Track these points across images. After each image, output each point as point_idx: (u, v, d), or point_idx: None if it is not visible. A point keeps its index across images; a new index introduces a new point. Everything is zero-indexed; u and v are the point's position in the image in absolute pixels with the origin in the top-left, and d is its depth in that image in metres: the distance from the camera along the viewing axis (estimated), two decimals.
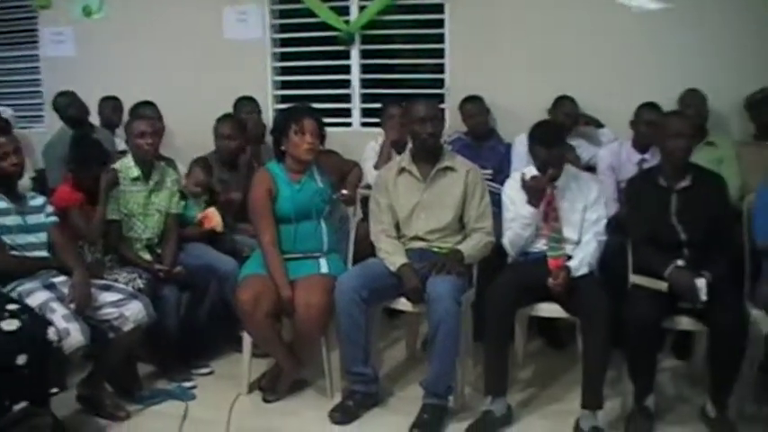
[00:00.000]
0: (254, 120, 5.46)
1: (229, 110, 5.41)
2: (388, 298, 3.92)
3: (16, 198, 3.71)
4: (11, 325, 3.21)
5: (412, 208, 3.99)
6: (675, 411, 3.83)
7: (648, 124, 4.57)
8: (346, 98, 6.17)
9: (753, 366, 3.59)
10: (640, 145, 4.72)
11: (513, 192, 3.93)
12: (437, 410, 3.69)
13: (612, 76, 5.32)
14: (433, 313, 3.60)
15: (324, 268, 3.94)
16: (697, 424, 3.65)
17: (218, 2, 6.21)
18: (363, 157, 5.22)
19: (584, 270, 3.75)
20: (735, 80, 5.01)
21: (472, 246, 3.92)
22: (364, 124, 6.14)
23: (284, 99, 6.26)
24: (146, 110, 5.33)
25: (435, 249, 3.94)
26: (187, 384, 4.15)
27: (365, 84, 6.15)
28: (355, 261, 4.33)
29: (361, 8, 5.97)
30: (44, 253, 3.72)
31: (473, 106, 5.32)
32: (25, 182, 4.34)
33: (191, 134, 5.51)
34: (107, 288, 3.71)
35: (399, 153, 4.58)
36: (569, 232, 3.88)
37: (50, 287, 3.57)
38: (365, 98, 6.14)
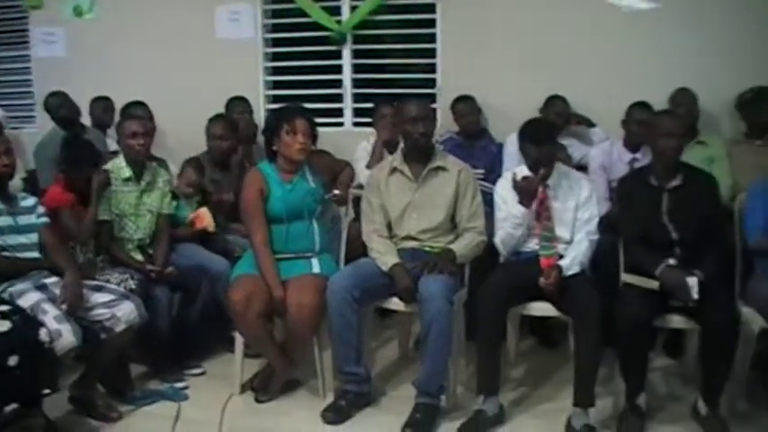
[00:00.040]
0: (245, 120, 5.46)
1: (221, 110, 5.41)
2: (381, 298, 3.92)
3: (7, 199, 3.70)
4: (2, 326, 3.21)
5: (404, 208, 4.00)
6: (667, 410, 3.84)
7: (639, 123, 4.58)
8: (338, 98, 6.17)
9: (744, 364, 3.60)
10: (631, 144, 4.74)
11: (504, 191, 3.94)
12: (429, 410, 3.69)
13: (604, 76, 5.33)
14: (425, 313, 3.61)
15: (316, 268, 3.94)
16: (689, 422, 3.66)
17: (210, 1, 6.21)
18: (355, 157, 5.22)
19: (575, 269, 3.76)
20: (725, 79, 5.03)
21: (464, 245, 3.92)
22: (356, 124, 6.14)
23: (276, 99, 6.26)
24: (137, 110, 5.32)
25: (427, 249, 3.95)
26: (179, 385, 4.14)
27: (357, 83, 6.15)
28: (347, 261, 4.33)
29: (353, 8, 5.97)
30: (35, 254, 3.71)
31: (465, 106, 5.33)
32: (16, 182, 4.33)
33: (182, 134, 5.51)
34: (99, 289, 3.70)
35: (391, 153, 4.58)
36: (561, 231, 3.89)
37: (42, 288, 3.56)
38: (357, 98, 6.15)
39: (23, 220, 3.71)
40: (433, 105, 5.33)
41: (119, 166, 4.25)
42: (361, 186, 4.66)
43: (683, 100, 4.85)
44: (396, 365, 4.47)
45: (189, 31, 6.25)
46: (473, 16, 5.63)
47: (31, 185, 5.10)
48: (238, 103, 5.63)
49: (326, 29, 5.99)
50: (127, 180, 4.24)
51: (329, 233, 4.24)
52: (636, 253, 3.75)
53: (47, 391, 3.41)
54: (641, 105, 4.71)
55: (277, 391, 4.04)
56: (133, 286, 3.93)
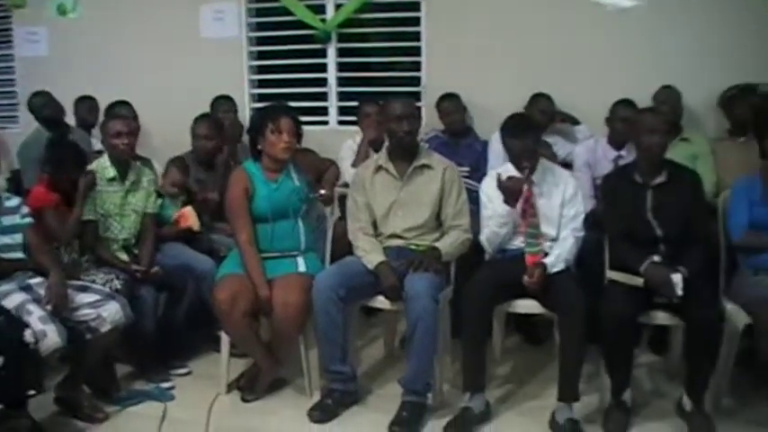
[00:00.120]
0: (230, 119, 5.45)
1: (206, 109, 5.40)
2: (366, 296, 3.92)
3: None
4: None
5: (389, 206, 4.00)
6: (652, 405, 3.86)
7: (624, 121, 4.60)
8: (323, 97, 6.17)
9: (728, 360, 3.62)
10: (616, 142, 4.75)
11: (490, 190, 3.93)
12: (416, 408, 3.70)
13: (588, 74, 5.34)
14: (411, 311, 3.61)
15: (301, 267, 3.94)
16: (673, 418, 3.68)
17: (194, 0, 6.20)
18: (340, 156, 5.21)
19: (560, 266, 3.77)
20: (709, 77, 5.05)
21: (449, 243, 3.93)
22: (341, 122, 6.14)
23: (261, 98, 6.26)
24: (121, 109, 5.31)
25: (413, 247, 3.95)
26: (165, 385, 4.13)
27: (342, 82, 6.15)
28: (333, 260, 4.33)
29: (338, 6, 5.97)
30: (20, 254, 3.70)
31: (450, 104, 5.33)
32: (0, 182, 4.31)
33: (167, 133, 5.50)
34: (84, 289, 3.69)
35: (377, 151, 4.58)
36: (547, 228, 3.89)
37: (27, 289, 3.55)
38: (342, 96, 6.14)
39: (7, 220, 3.69)
40: (418, 104, 5.32)
41: (103, 166, 4.24)
42: (346, 185, 4.66)
43: (667, 97, 4.87)
44: (382, 364, 4.47)
45: (173, 30, 6.23)
46: (458, 14, 5.64)
47: (15, 185, 5.07)
48: (223, 103, 5.63)
49: (311, 27, 5.99)
50: (111, 180, 4.23)
51: (314, 232, 4.25)
52: (620, 250, 3.77)
53: (32, 392, 3.42)
54: (625, 103, 4.72)
55: (263, 390, 4.04)
56: (118, 286, 3.93)
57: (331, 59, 6.10)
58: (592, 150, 4.82)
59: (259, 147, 4.00)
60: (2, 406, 3.29)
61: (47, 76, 6.25)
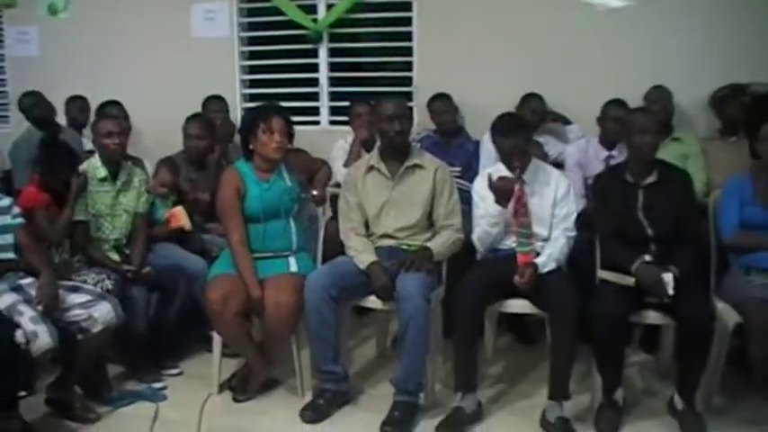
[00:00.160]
0: (222, 119, 5.43)
1: (197, 109, 5.39)
2: (358, 296, 3.92)
3: None
4: None
5: (381, 206, 4.00)
6: (643, 404, 3.88)
7: (615, 121, 4.62)
8: (314, 96, 6.17)
9: (719, 359, 3.63)
10: (607, 141, 4.77)
11: (483, 189, 3.93)
12: (408, 407, 3.70)
13: (579, 74, 5.35)
14: (403, 311, 3.61)
15: (293, 267, 3.94)
16: (665, 417, 3.70)
17: (185, 0, 6.18)
18: (332, 156, 5.21)
19: (551, 266, 3.77)
20: (700, 77, 5.07)
21: (441, 243, 3.93)
22: (332, 122, 6.14)
23: (252, 98, 6.26)
24: (112, 109, 5.30)
25: (404, 247, 3.95)
26: (157, 385, 4.13)
27: (333, 82, 6.15)
28: (325, 259, 4.33)
29: (329, 6, 5.97)
30: (10, 255, 3.68)
31: (441, 104, 5.33)
32: None
33: (159, 133, 5.49)
34: (75, 289, 3.68)
35: (368, 151, 4.58)
36: (539, 228, 3.90)
37: (17, 289, 3.54)
38: (333, 96, 6.14)
39: None
40: (410, 103, 5.32)
41: (94, 166, 4.23)
42: (338, 185, 4.66)
43: (658, 97, 4.88)
44: (374, 364, 4.47)
45: (164, 29, 6.22)
46: (449, 14, 5.64)
47: (6, 185, 5.06)
48: (215, 102, 5.62)
49: (302, 27, 5.98)
50: (102, 180, 4.22)
51: (306, 232, 4.25)
52: (611, 249, 3.78)
53: (23, 392, 3.41)
54: (616, 103, 4.74)
55: (255, 390, 4.03)
56: (110, 287, 3.92)
57: (322, 59, 6.10)
58: (583, 150, 4.83)
59: (251, 147, 4.00)
60: None
61: (37, 75, 6.24)
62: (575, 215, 3.95)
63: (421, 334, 3.61)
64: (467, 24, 5.61)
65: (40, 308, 3.41)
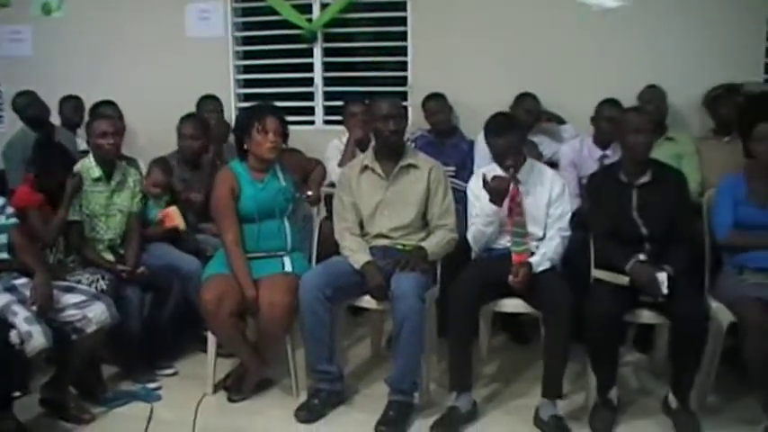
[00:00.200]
0: (216, 119, 5.43)
1: (192, 109, 5.38)
2: (353, 296, 3.92)
3: None
4: None
5: (375, 205, 4.00)
6: (638, 404, 3.88)
7: (609, 120, 4.63)
8: (309, 96, 6.16)
9: (713, 359, 3.64)
10: (601, 141, 4.78)
11: (477, 188, 3.93)
12: (403, 407, 3.71)
13: (574, 73, 5.37)
14: (398, 310, 3.61)
15: (287, 267, 3.94)
16: (659, 416, 3.71)
17: (179, 0, 6.17)
18: (326, 156, 5.21)
19: (545, 265, 3.77)
20: (694, 77, 5.08)
21: (435, 243, 3.93)
22: (327, 122, 6.14)
23: (247, 97, 6.25)
24: (106, 109, 5.29)
25: (399, 247, 3.95)
26: (152, 385, 4.13)
27: (328, 82, 6.15)
28: (319, 259, 4.32)
29: (324, 6, 5.97)
30: (4, 255, 3.68)
31: (436, 104, 5.34)
32: None
33: (153, 133, 5.48)
34: (69, 290, 3.67)
35: (363, 151, 4.58)
36: (533, 228, 3.90)
37: (11, 289, 3.53)
38: (328, 96, 6.14)
39: None
40: (404, 103, 5.33)
41: (88, 166, 4.22)
42: (332, 185, 4.66)
43: (652, 97, 4.89)
44: (368, 363, 4.47)
45: (159, 29, 6.21)
46: (444, 14, 5.64)
47: (0, 185, 5.05)
48: (209, 102, 5.61)
49: (297, 27, 5.98)
50: (97, 180, 4.21)
51: (301, 232, 4.24)
52: (606, 249, 3.78)
53: (17, 393, 3.41)
54: (610, 102, 4.75)
55: (250, 390, 4.03)
56: (104, 287, 3.91)
57: (317, 59, 6.10)
58: (577, 150, 4.84)
59: (245, 146, 3.99)
60: None
61: (31, 75, 6.21)
62: (569, 215, 3.95)
63: (415, 333, 3.61)
64: (461, 24, 5.61)
65: (34, 308, 3.40)
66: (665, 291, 3.47)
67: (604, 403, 3.64)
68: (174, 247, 4.45)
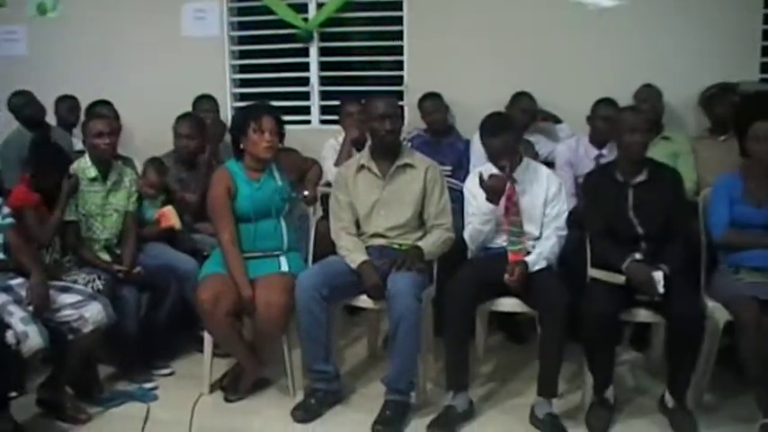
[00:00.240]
0: (212, 118, 5.42)
1: (188, 108, 5.37)
2: (349, 295, 3.92)
3: None
4: None
5: (372, 205, 4.00)
6: (634, 402, 3.89)
7: (605, 120, 4.64)
8: (305, 96, 6.16)
9: (709, 357, 3.65)
10: (597, 140, 4.79)
11: (474, 187, 3.93)
12: (399, 407, 3.71)
13: (570, 73, 5.37)
14: (394, 310, 3.61)
15: (284, 267, 3.94)
16: (656, 414, 3.72)
17: None
18: (323, 155, 5.20)
19: (541, 264, 3.78)
20: (690, 76, 5.09)
21: (432, 242, 3.93)
22: (323, 122, 6.13)
23: (243, 97, 6.25)
24: (102, 109, 5.28)
25: (395, 246, 3.95)
26: (148, 385, 4.12)
27: (324, 81, 6.15)
28: (315, 259, 4.33)
29: (320, 5, 5.97)
30: (0, 255, 3.67)
31: (432, 103, 5.34)
32: None
33: (149, 133, 5.48)
34: (66, 290, 3.66)
35: (359, 150, 4.58)
36: (530, 227, 3.90)
37: (7, 290, 3.52)
38: (324, 96, 6.14)
39: None
40: (401, 103, 5.33)
41: (84, 166, 4.21)
42: (329, 184, 4.66)
43: (648, 96, 4.90)
44: (365, 363, 4.47)
45: (155, 29, 6.20)
46: (440, 13, 5.65)
47: None
48: (205, 102, 5.61)
49: (293, 26, 5.98)
50: (93, 180, 4.21)
51: (297, 231, 4.24)
52: (602, 248, 3.79)
53: (14, 393, 3.40)
54: (606, 102, 4.76)
55: (246, 390, 4.03)
56: (100, 287, 3.91)
57: (313, 59, 6.10)
58: (573, 149, 4.85)
59: (241, 146, 3.99)
60: None
61: (27, 75, 6.19)
62: (566, 214, 3.96)
63: (412, 333, 3.61)
64: (457, 23, 5.62)
65: (30, 308, 3.40)
66: (661, 290, 3.47)
67: (601, 402, 3.65)
68: (171, 246, 4.45)
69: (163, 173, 4.60)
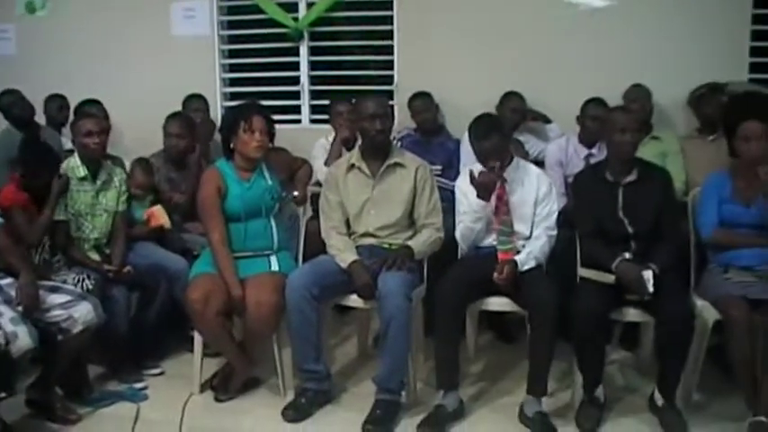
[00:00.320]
0: (202, 117, 5.41)
1: (178, 107, 5.35)
2: (339, 295, 3.92)
3: None
4: None
5: (362, 204, 4.00)
6: (624, 401, 3.90)
7: (594, 119, 4.65)
8: (295, 95, 6.16)
9: (699, 356, 3.66)
10: (587, 140, 4.80)
11: (465, 185, 3.94)
12: (390, 406, 3.71)
13: (560, 73, 5.38)
14: (384, 309, 3.62)
15: (274, 266, 3.94)
16: (645, 413, 3.73)
17: None
18: (313, 154, 5.20)
19: (531, 264, 3.78)
20: (679, 76, 5.11)
21: (422, 241, 3.93)
22: (313, 121, 6.13)
23: (233, 96, 6.24)
24: (92, 108, 5.25)
25: (386, 246, 3.95)
26: (138, 385, 4.11)
27: (314, 81, 6.15)
28: (306, 258, 4.33)
29: (310, 5, 5.96)
30: None
31: (422, 102, 5.34)
32: None
33: (139, 132, 5.47)
34: (55, 289, 3.65)
35: (349, 150, 4.58)
36: (520, 227, 3.91)
37: None
38: (314, 95, 6.14)
39: None
40: (391, 102, 5.33)
41: (73, 166, 4.20)
42: (319, 184, 4.66)
43: (638, 96, 4.92)
44: (355, 362, 4.47)
45: (144, 28, 6.18)
46: (430, 13, 5.65)
47: None
48: (195, 101, 5.59)
49: (283, 26, 5.97)
50: (82, 179, 4.19)
51: (287, 231, 4.24)
52: (592, 247, 3.80)
53: (3, 394, 3.39)
54: (596, 101, 4.77)
55: (237, 390, 4.03)
56: (90, 286, 3.90)
57: (303, 58, 6.10)
58: (563, 149, 4.86)
59: (231, 146, 3.98)
60: None
61: (15, 74, 6.16)
62: (556, 214, 3.96)
63: (402, 332, 3.61)
64: (447, 23, 5.62)
65: (19, 308, 3.39)
66: (650, 289, 3.49)
67: (591, 401, 3.66)
68: (161, 246, 4.44)
69: (150, 173, 4.59)
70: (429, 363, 4.06)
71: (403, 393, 3.80)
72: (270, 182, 4.05)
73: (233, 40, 6.30)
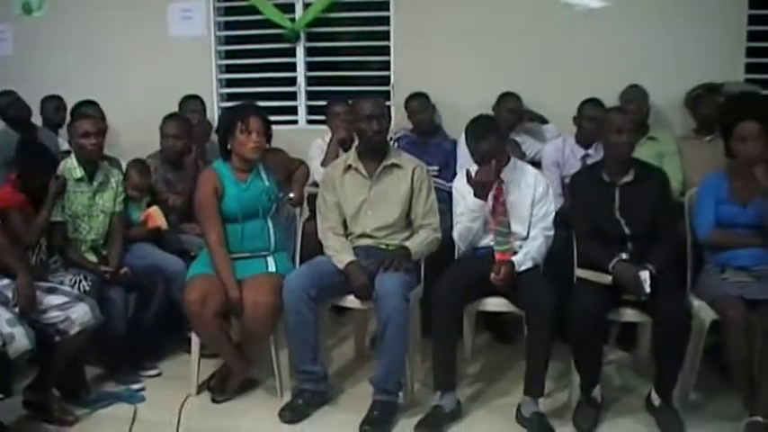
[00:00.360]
0: (199, 118, 5.41)
1: (174, 108, 5.36)
2: (337, 296, 3.92)
3: None
4: None
5: (359, 205, 4.00)
6: (621, 401, 3.91)
7: (591, 120, 4.65)
8: (292, 96, 6.15)
9: (695, 356, 3.67)
10: (584, 140, 4.79)
11: (462, 185, 3.94)
12: (387, 407, 3.71)
13: (556, 73, 5.38)
14: (382, 310, 3.62)
15: (271, 267, 3.93)
16: (642, 413, 3.73)
17: None
18: (309, 155, 5.19)
19: (528, 264, 3.79)
20: (675, 76, 5.11)
21: (419, 242, 3.94)
22: (310, 122, 6.13)
23: (230, 97, 6.23)
24: (88, 109, 5.24)
25: (383, 246, 3.96)
26: (135, 386, 4.11)
27: (311, 81, 6.14)
28: (303, 259, 4.32)
29: (306, 5, 5.95)
30: None
31: (418, 103, 5.34)
32: None
33: (135, 133, 5.46)
34: (52, 291, 3.65)
35: (346, 151, 4.58)
36: (517, 227, 3.91)
37: None
38: (311, 96, 6.13)
39: None
40: (388, 103, 5.33)
41: (70, 167, 4.19)
42: (316, 184, 4.65)
43: (634, 96, 4.92)
44: (352, 363, 4.47)
45: (141, 29, 6.17)
46: (427, 14, 5.65)
47: None
48: (191, 102, 5.59)
49: (280, 26, 5.97)
50: (79, 180, 4.18)
51: (284, 232, 4.24)
52: (589, 248, 3.80)
53: (0, 395, 3.37)
54: (593, 102, 4.77)
55: (234, 391, 4.03)
56: (87, 288, 3.90)
57: (300, 59, 6.09)
58: (560, 149, 4.85)
59: (228, 147, 3.98)
60: None
61: (12, 75, 6.15)
62: (553, 214, 3.97)
63: (400, 333, 3.61)
64: (444, 24, 5.62)
65: (16, 310, 3.39)
66: (647, 289, 3.49)
67: (588, 401, 3.66)
68: (158, 247, 4.43)
69: (145, 174, 4.58)
70: (426, 363, 4.06)
71: (400, 394, 3.80)
72: (267, 183, 4.05)
73: (230, 40, 6.29)
